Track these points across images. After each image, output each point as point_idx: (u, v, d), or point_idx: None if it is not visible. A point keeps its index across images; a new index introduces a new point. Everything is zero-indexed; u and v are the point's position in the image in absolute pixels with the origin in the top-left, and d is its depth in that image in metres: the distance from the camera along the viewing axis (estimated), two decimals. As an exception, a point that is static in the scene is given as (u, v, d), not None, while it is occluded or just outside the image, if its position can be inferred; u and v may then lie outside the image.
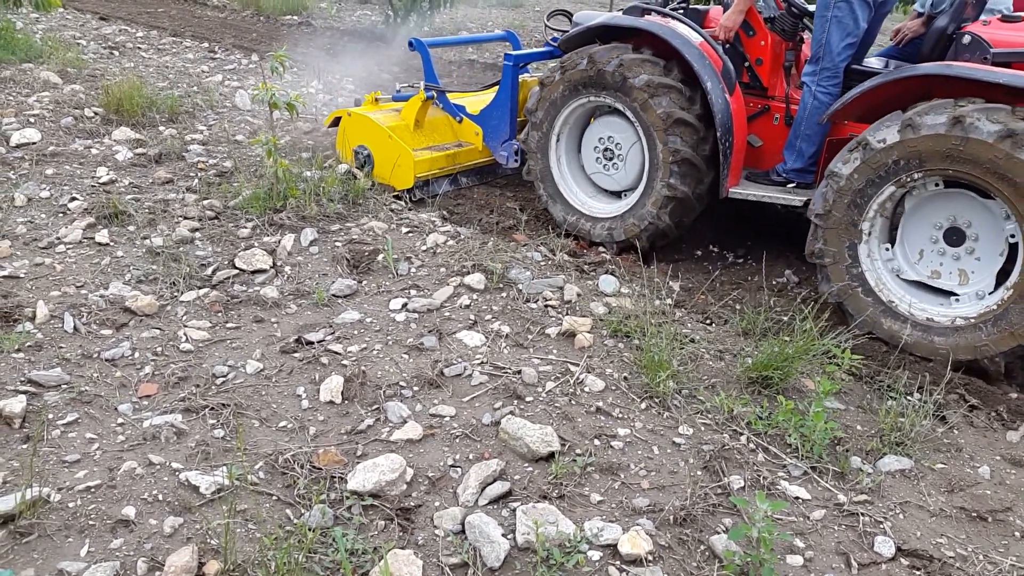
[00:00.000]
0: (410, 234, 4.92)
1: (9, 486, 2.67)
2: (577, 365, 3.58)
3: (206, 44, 10.67)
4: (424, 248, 4.75)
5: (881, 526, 2.79)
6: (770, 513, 2.58)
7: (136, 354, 3.53)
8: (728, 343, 3.90)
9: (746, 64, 4.94)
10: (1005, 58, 3.93)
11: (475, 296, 4.17)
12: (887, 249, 4.02)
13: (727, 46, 4.81)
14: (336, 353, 3.62)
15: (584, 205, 5.16)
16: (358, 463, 2.86)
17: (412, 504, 2.72)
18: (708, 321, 4.19)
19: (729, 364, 3.67)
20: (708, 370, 3.63)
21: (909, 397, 3.58)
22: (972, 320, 3.71)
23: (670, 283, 4.59)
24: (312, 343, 3.69)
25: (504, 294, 4.24)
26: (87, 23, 11.55)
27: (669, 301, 4.35)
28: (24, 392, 3.16)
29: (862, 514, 2.84)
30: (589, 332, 3.83)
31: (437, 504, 2.74)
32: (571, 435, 3.12)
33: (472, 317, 3.96)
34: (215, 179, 5.57)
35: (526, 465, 2.95)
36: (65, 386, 3.24)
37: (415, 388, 3.39)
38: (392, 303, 4.07)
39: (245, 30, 12.10)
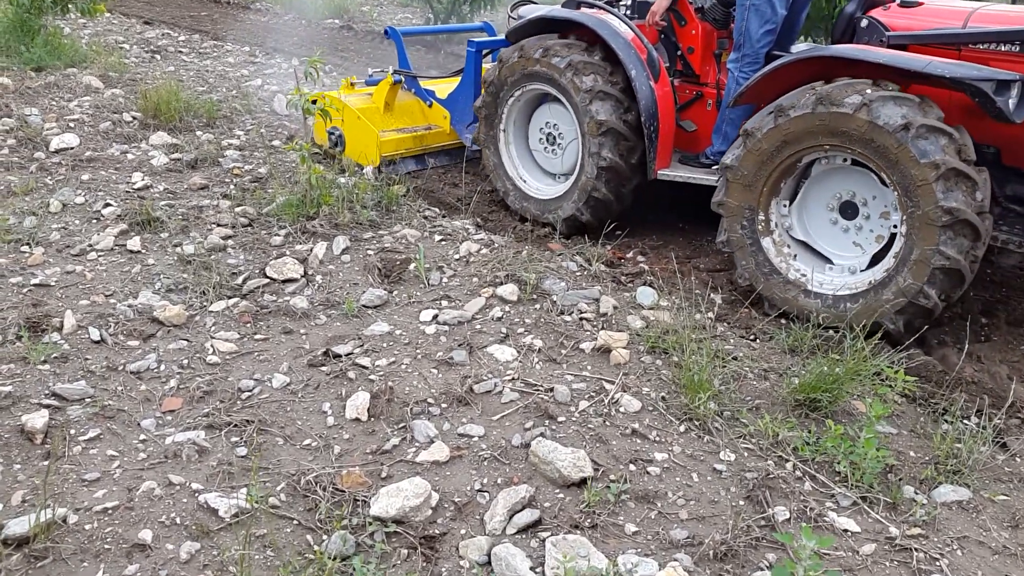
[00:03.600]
0: (443, 242, 4.81)
1: (27, 506, 2.62)
2: (612, 383, 3.44)
3: (247, 48, 10.70)
4: (457, 257, 4.63)
5: (937, 563, 2.60)
6: (817, 550, 2.41)
7: (162, 367, 3.47)
8: (774, 361, 3.72)
9: (679, 53, 5.15)
10: (900, 41, 4.14)
11: (507, 308, 4.04)
12: (785, 206, 4.20)
13: (662, 36, 5.13)
14: (363, 367, 3.52)
15: (535, 190, 5.34)
16: (382, 486, 2.75)
17: (437, 532, 2.60)
18: (752, 337, 4.01)
19: (774, 384, 3.49)
20: (752, 390, 3.46)
21: (966, 421, 3.37)
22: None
23: (711, 295, 4.41)
24: (340, 356, 3.60)
25: (538, 306, 4.11)
26: (131, 27, 11.68)
27: (710, 315, 4.18)
28: (47, 406, 3.11)
29: (916, 549, 2.65)
30: (625, 348, 3.68)
31: (463, 532, 2.62)
32: (605, 459, 2.97)
33: (504, 330, 3.83)
34: (250, 185, 5.52)
35: (557, 491, 2.81)
36: (89, 400, 3.19)
37: (443, 405, 3.28)
38: (423, 314, 3.96)
39: (286, 34, 12.14)
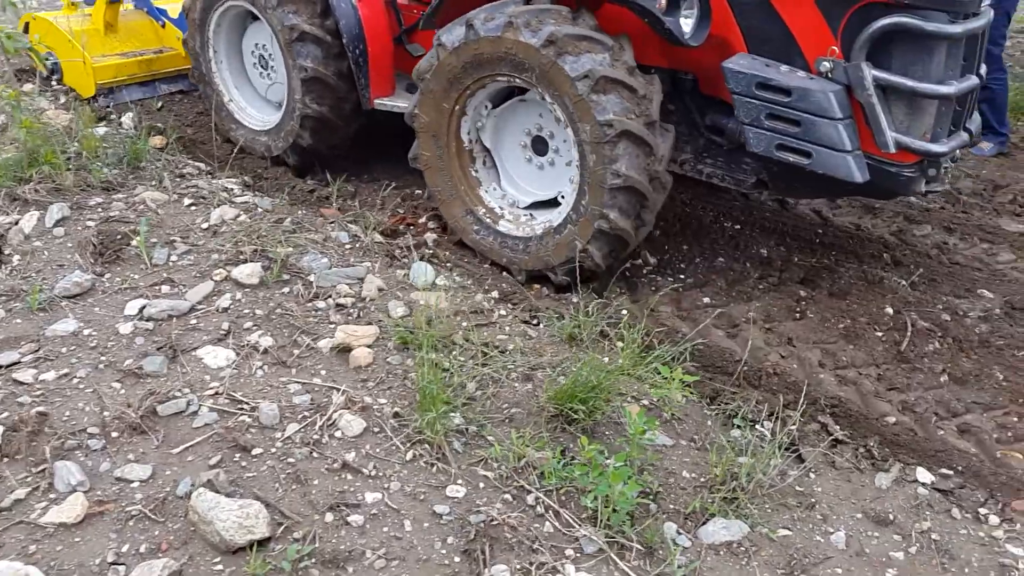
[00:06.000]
0: (193, 208, 4.00)
1: None
2: (344, 392, 2.78)
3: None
4: (205, 227, 3.85)
5: (690, 630, 2.08)
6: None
7: None
8: (548, 354, 3.12)
9: None
10: None
11: (241, 295, 3.31)
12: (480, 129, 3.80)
13: None
14: (23, 384, 2.75)
15: (250, 117, 4.81)
16: (-31, 568, 2.04)
17: (22, 638, 1.91)
18: (536, 322, 3.40)
19: (538, 386, 2.90)
20: (510, 396, 2.86)
21: (759, 427, 2.86)
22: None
23: (504, 272, 3.78)
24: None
25: (286, 290, 3.39)
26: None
27: (494, 295, 3.56)
28: None
29: (669, 610, 2.12)
30: (370, 347, 3.02)
31: (63, 634, 1.94)
32: (297, 507, 2.33)
33: (227, 325, 3.11)
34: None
35: (216, 561, 2.16)
36: None
37: (113, 435, 2.56)
38: (129, 306, 3.19)
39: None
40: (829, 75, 3.15)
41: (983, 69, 3.37)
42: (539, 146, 3.69)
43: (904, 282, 3.85)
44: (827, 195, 3.89)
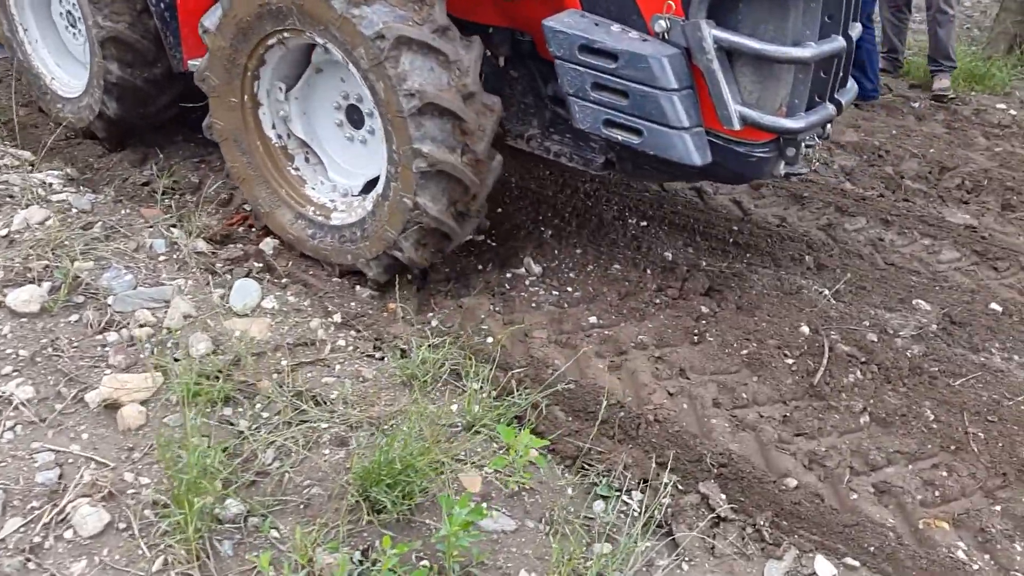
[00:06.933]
0: (-10, 210, 3.34)
1: None
2: (110, 467, 2.19)
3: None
4: (3, 234, 3.19)
5: None
6: None
7: None
8: (382, 402, 2.53)
9: None
10: None
11: (10, 327, 2.68)
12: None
13: None
14: None
15: (71, 89, 4.02)
16: None
17: None
18: (380, 354, 2.81)
19: (351, 455, 2.31)
20: (315, 469, 2.27)
21: (628, 497, 2.31)
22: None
23: (359, 287, 3.16)
24: None
25: (74, 318, 2.77)
26: None
27: (337, 318, 2.95)
28: None
29: None
30: (145, 402, 2.42)
31: None
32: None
33: (-25, 372, 2.49)
34: None
35: None
36: None
37: None
38: None
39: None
40: (666, 36, 2.57)
41: (856, 29, 2.80)
42: (355, 116, 3.09)
43: (827, 292, 3.29)
44: (677, 178, 3.35)
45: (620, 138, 2.69)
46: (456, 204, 2.83)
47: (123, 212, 3.47)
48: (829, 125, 2.85)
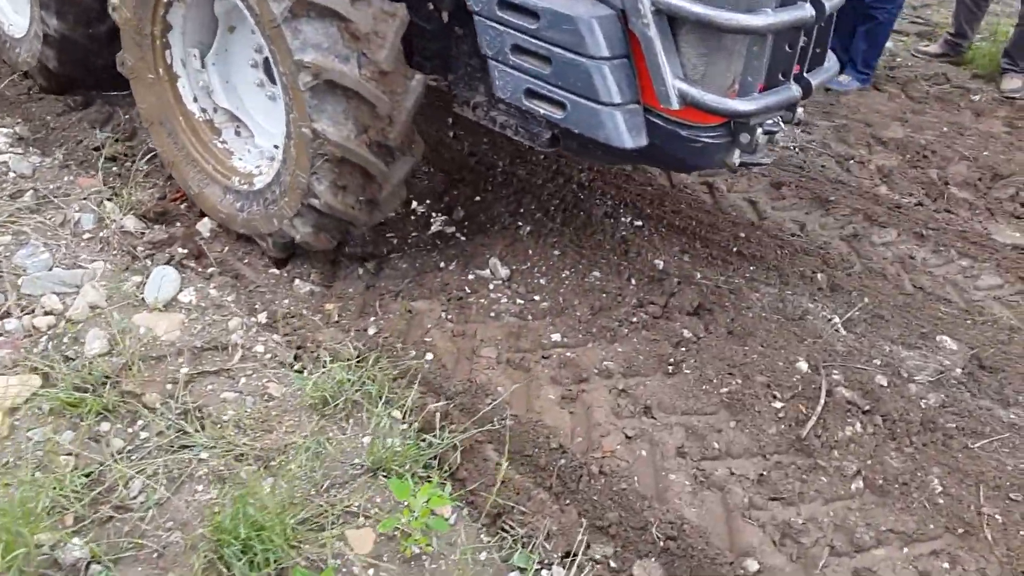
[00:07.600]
0: (-85, 172, 3.07)
1: None
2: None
3: None
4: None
5: None
6: None
7: None
8: (282, 429, 2.19)
9: None
10: None
11: None
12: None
13: None
14: None
15: (16, 26, 3.71)
16: None
17: None
18: (300, 367, 2.46)
19: (222, 497, 1.97)
20: (182, 509, 1.94)
21: (548, 572, 1.93)
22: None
23: (298, 280, 2.82)
24: None
25: (-31, 302, 2.48)
26: None
27: (262, 318, 2.61)
28: None
29: None
30: (13, 410, 2.11)
31: None
32: None
33: None
34: None
35: None
36: None
37: None
38: None
39: None
40: None
41: None
42: (272, 72, 2.70)
43: (836, 319, 2.84)
44: (619, 161, 2.93)
45: (542, 111, 2.30)
46: (368, 131, 2.42)
47: (65, 179, 3.17)
48: (800, 109, 2.38)
